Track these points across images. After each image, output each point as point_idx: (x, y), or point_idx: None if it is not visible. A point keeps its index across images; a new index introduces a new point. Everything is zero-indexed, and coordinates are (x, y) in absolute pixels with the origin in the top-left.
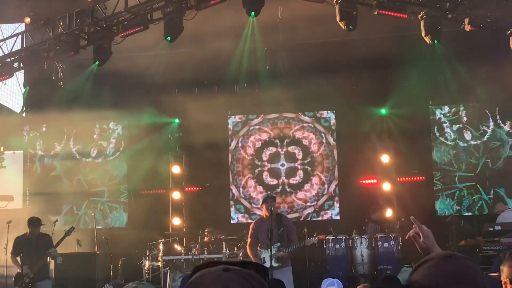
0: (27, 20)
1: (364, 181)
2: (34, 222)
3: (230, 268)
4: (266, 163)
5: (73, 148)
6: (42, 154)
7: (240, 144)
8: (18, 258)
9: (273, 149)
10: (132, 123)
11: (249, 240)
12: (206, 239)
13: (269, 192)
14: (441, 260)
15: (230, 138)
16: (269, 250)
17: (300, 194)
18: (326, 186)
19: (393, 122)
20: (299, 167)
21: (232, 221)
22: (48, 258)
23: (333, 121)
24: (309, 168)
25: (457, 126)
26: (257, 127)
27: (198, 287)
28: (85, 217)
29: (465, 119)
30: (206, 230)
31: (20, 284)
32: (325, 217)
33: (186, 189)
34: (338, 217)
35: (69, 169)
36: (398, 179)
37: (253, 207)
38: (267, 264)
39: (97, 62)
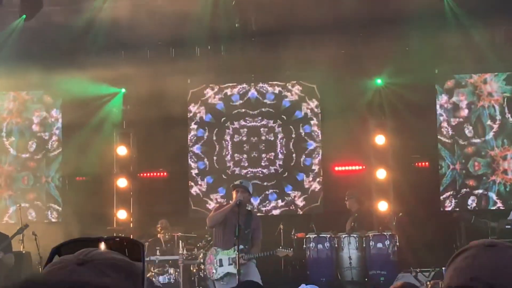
0: None
1: (353, 167)
2: None
3: (88, 259)
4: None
5: None
6: None
7: (201, 120)
8: None
9: (243, 127)
10: (66, 93)
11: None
12: (158, 235)
13: (241, 180)
14: (481, 249)
15: (190, 112)
16: (231, 250)
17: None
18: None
19: (390, 95)
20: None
21: (191, 215)
22: None
23: (316, 93)
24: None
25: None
26: (221, 97)
27: (49, 280)
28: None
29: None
30: (159, 225)
31: None
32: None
33: (135, 175)
34: (321, 211)
35: None
36: (395, 164)
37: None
38: (224, 269)
39: (24, 16)
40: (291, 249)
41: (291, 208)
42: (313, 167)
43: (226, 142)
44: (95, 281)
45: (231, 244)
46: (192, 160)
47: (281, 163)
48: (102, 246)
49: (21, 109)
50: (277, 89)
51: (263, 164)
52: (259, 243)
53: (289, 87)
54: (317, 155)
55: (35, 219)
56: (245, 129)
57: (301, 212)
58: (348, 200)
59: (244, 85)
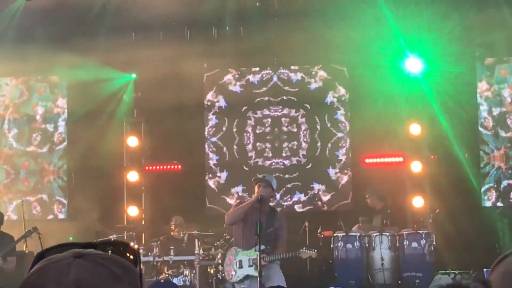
0: None
1: (386, 159)
2: None
3: (84, 253)
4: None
5: None
6: None
7: (220, 110)
8: None
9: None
10: (72, 78)
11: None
12: (172, 234)
13: (264, 175)
14: None
15: (207, 101)
16: (252, 250)
17: None
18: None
19: (426, 80)
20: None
21: (208, 212)
22: None
23: (345, 79)
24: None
25: None
26: (242, 84)
27: (45, 271)
28: (8, 204)
29: None
30: (172, 223)
31: None
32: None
33: (146, 168)
34: (350, 207)
35: None
36: (432, 156)
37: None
38: (244, 271)
39: None
40: (315, 250)
41: (315, 203)
42: (340, 157)
43: (248, 134)
44: (95, 273)
45: (251, 244)
46: (210, 149)
47: (304, 153)
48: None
49: (23, 97)
50: (299, 75)
51: (284, 155)
52: (283, 245)
53: (313, 72)
54: (344, 144)
55: (40, 213)
56: (269, 119)
57: (326, 208)
58: (368, 198)
59: (268, 71)
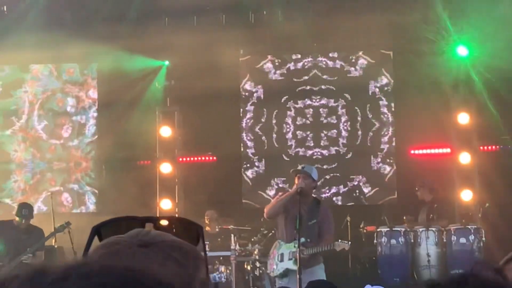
0: None
1: (433, 150)
2: (21, 210)
3: (149, 242)
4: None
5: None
6: None
7: (256, 96)
8: None
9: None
10: (102, 66)
11: None
12: (207, 228)
13: (303, 165)
14: None
15: (244, 90)
16: (293, 243)
17: None
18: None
19: (475, 67)
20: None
21: (244, 205)
22: None
23: (389, 65)
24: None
25: None
26: (280, 72)
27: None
28: (36, 195)
29: None
30: (206, 217)
31: None
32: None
33: (180, 159)
34: (395, 202)
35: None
36: (481, 147)
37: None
38: (284, 265)
39: None
40: (349, 242)
41: (355, 195)
42: (382, 146)
43: (287, 125)
44: (161, 264)
45: (293, 237)
46: (248, 138)
47: (344, 141)
48: (150, 226)
49: (53, 85)
50: (338, 63)
51: (322, 144)
52: (330, 238)
53: (353, 60)
54: (386, 132)
55: (71, 204)
56: (310, 109)
57: (366, 203)
58: (419, 190)
59: (309, 58)
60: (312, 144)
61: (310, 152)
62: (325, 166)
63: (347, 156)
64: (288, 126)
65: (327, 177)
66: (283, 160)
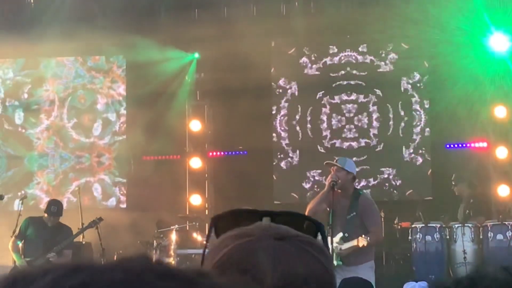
0: None
1: (469, 145)
2: (50, 207)
3: (285, 236)
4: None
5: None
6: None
7: (290, 90)
8: (20, 245)
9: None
10: (131, 59)
11: None
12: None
13: (336, 158)
14: None
15: (274, 80)
16: (336, 239)
17: None
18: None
19: None
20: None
21: (276, 199)
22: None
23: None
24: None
25: None
26: (315, 66)
27: (246, 256)
28: (63, 191)
29: None
30: None
31: None
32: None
33: (210, 154)
34: (430, 197)
35: (35, 120)
36: None
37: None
38: None
39: None
40: (368, 238)
41: (386, 189)
42: (414, 137)
43: (322, 122)
44: (301, 259)
45: (336, 232)
46: (282, 128)
47: (376, 132)
48: (267, 220)
49: (72, 83)
50: (368, 58)
51: (351, 136)
52: (376, 230)
53: (383, 55)
54: (419, 123)
55: (101, 197)
56: (347, 105)
57: (396, 198)
58: (456, 185)
59: (347, 53)
60: (348, 136)
61: (346, 144)
62: (354, 158)
63: (377, 148)
64: (322, 121)
65: (357, 169)
66: (318, 152)
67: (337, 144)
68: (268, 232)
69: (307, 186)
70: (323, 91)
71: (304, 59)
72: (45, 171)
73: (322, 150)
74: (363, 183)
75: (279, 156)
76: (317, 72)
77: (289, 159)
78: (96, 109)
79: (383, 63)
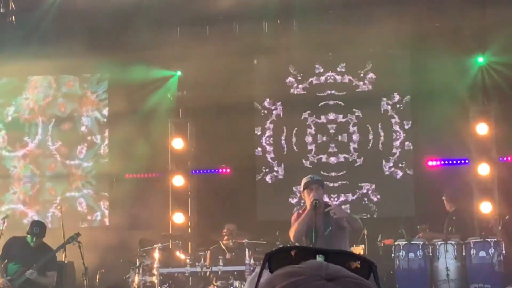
0: None
1: (451, 162)
2: (33, 228)
3: (336, 276)
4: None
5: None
6: None
7: (276, 117)
8: (2, 265)
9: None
10: (114, 77)
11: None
12: (224, 242)
13: (312, 176)
14: None
15: (259, 101)
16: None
17: None
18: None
19: (495, 76)
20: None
21: (259, 218)
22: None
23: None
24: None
25: None
26: (294, 79)
27: None
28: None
29: None
30: (225, 231)
31: None
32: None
33: (193, 172)
34: (412, 214)
35: (17, 136)
36: (500, 158)
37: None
38: None
39: None
40: (362, 245)
41: (364, 203)
42: (394, 151)
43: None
44: None
45: None
46: (267, 142)
47: (355, 146)
48: (321, 258)
49: (58, 97)
50: (347, 78)
51: (331, 151)
52: (358, 225)
53: (361, 75)
54: (399, 137)
55: (85, 210)
56: (332, 124)
57: (375, 214)
58: (446, 199)
59: (329, 72)
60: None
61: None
62: (333, 174)
63: (356, 163)
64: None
65: (336, 184)
66: (303, 166)
67: (323, 159)
68: (319, 272)
69: (293, 201)
70: (309, 111)
71: (290, 78)
72: (21, 181)
73: (308, 165)
74: (342, 198)
75: (264, 170)
76: (301, 91)
77: (274, 173)
78: (79, 131)
79: (361, 82)
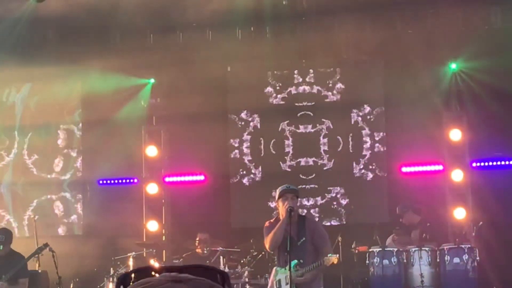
0: None
1: (425, 167)
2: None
3: (182, 278)
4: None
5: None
6: None
7: (254, 128)
8: None
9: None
10: (87, 85)
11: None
12: (198, 250)
13: (288, 186)
14: None
15: (233, 108)
16: (286, 269)
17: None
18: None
19: (467, 82)
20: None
21: (234, 225)
22: None
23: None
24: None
25: None
26: (269, 89)
27: None
28: (19, 220)
29: None
30: (198, 239)
31: None
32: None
33: (167, 179)
34: (386, 220)
35: None
36: (473, 164)
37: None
38: None
39: None
40: (337, 255)
41: (333, 207)
42: (364, 153)
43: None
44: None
45: (286, 260)
46: (246, 146)
47: (326, 148)
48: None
49: (34, 105)
50: (315, 88)
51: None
52: (328, 246)
53: (330, 84)
54: (368, 140)
55: (62, 213)
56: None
57: (344, 220)
58: (403, 215)
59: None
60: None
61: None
62: (301, 177)
63: (325, 168)
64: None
65: (307, 187)
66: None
67: (302, 163)
68: (167, 278)
69: (273, 205)
70: (287, 121)
71: (269, 88)
72: None
73: (287, 168)
74: (311, 201)
75: (241, 172)
76: (280, 101)
77: (251, 175)
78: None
79: (330, 93)
